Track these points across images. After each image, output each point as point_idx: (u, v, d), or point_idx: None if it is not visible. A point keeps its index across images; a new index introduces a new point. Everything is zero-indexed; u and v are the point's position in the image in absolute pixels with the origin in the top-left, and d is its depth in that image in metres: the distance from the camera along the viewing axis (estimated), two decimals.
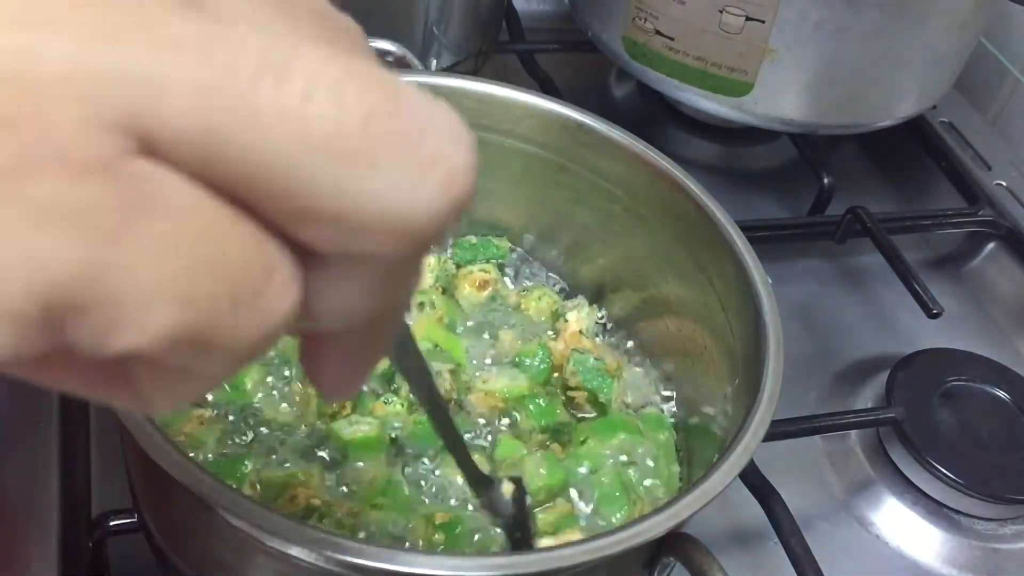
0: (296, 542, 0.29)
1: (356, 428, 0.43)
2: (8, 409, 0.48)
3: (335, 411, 0.44)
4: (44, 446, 0.47)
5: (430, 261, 0.51)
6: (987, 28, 0.71)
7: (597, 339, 0.51)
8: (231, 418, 0.44)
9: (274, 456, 0.43)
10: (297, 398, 0.45)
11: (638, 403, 0.48)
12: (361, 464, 0.43)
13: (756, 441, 0.37)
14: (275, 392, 0.45)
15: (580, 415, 0.47)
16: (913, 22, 0.62)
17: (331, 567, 0.30)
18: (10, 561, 0.43)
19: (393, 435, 0.44)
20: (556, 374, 0.48)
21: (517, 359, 0.48)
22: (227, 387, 0.44)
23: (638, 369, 0.50)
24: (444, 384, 0.46)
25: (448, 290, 0.51)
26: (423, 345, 0.47)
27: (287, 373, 0.46)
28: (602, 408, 0.47)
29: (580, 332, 0.50)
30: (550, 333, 0.51)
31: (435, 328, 0.48)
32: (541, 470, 0.42)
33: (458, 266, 0.52)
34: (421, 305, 0.49)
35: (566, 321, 0.50)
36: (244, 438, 0.43)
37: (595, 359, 0.48)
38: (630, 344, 0.51)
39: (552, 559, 0.31)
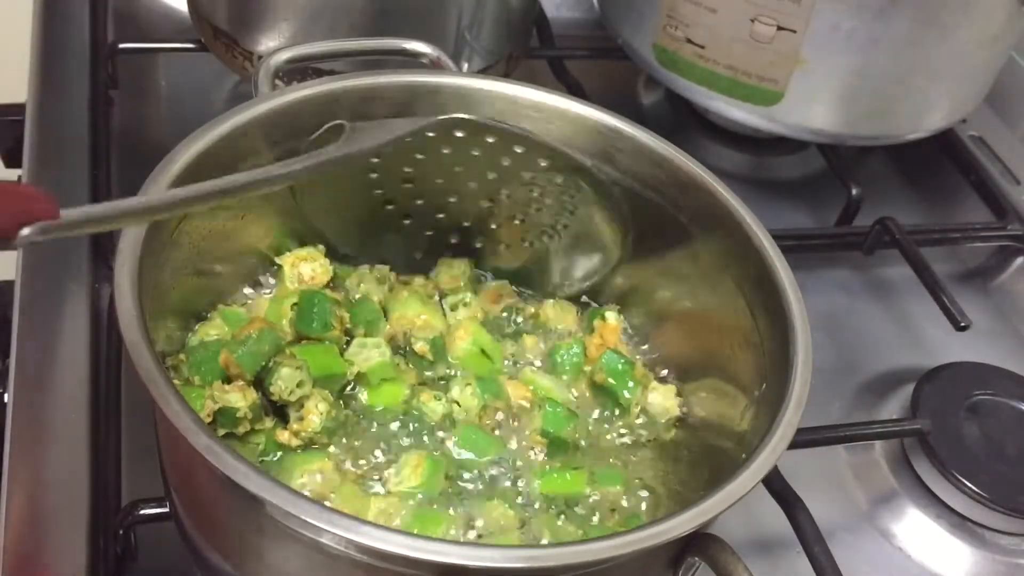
0: (331, 529, 0.30)
1: (368, 354, 0.45)
2: (39, 396, 0.48)
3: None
4: (75, 434, 0.47)
5: (462, 266, 0.51)
6: (1019, 43, 0.70)
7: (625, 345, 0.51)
8: None
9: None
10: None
11: (658, 413, 0.48)
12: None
13: (784, 444, 0.37)
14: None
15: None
16: (945, 35, 0.62)
17: (362, 556, 0.31)
18: (39, 547, 0.44)
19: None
20: (587, 368, 0.49)
21: (552, 354, 0.49)
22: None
23: (666, 385, 0.49)
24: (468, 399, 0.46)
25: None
26: (469, 348, 0.48)
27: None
28: (623, 409, 0.47)
29: (617, 331, 0.50)
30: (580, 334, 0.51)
31: (480, 331, 0.48)
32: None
33: None
34: (456, 305, 0.50)
35: (603, 320, 0.50)
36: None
37: (625, 359, 0.48)
38: (655, 353, 0.51)
39: (579, 553, 0.32)
